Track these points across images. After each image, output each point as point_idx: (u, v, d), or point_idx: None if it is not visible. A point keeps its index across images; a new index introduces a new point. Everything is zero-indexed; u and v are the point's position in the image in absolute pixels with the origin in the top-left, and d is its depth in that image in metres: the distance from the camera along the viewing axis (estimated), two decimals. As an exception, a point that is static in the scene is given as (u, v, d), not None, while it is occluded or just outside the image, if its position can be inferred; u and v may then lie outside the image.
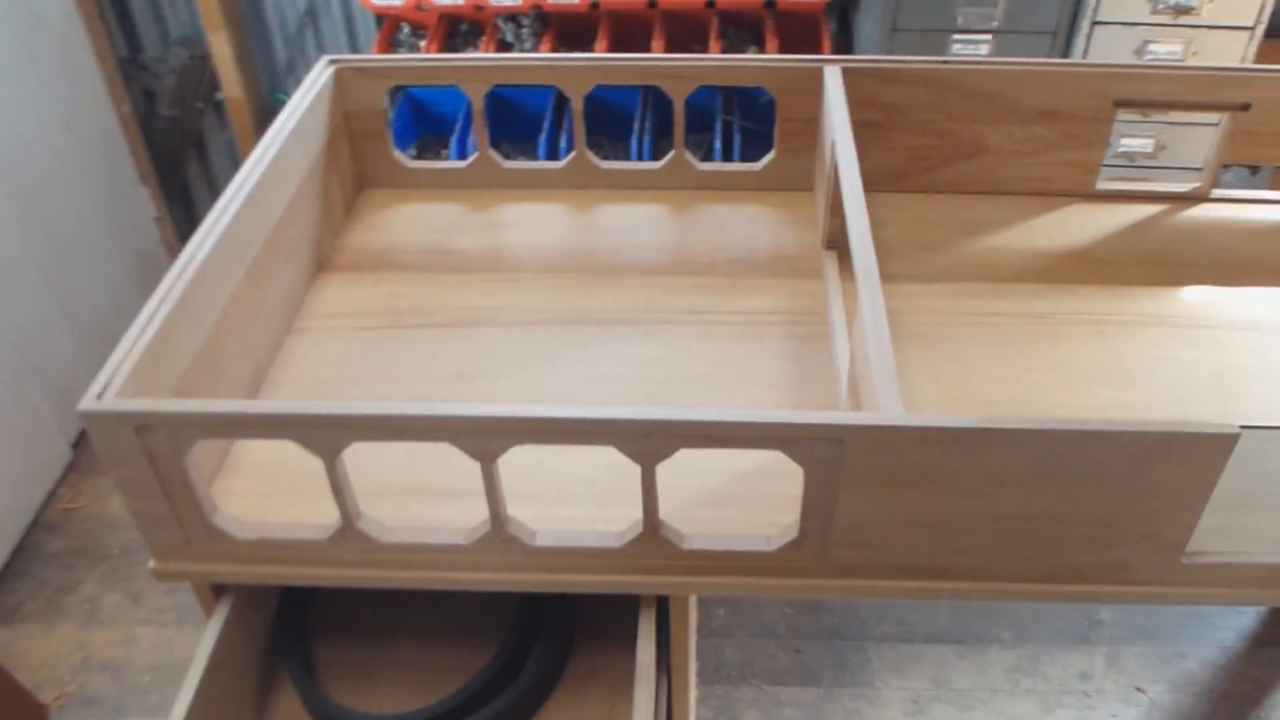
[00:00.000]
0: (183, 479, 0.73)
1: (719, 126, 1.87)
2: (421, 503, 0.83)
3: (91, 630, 1.77)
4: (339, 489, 0.73)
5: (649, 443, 0.68)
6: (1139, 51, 1.65)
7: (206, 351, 0.84)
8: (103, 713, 1.64)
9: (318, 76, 1.08)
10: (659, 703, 0.83)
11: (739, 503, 0.81)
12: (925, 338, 0.97)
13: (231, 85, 2.05)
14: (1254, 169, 1.84)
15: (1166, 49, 1.63)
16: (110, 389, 0.72)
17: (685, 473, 0.73)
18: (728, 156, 1.85)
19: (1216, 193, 1.14)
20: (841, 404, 0.87)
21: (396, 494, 0.83)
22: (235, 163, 2.29)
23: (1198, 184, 1.15)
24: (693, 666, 0.91)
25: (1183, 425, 0.65)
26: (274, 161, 0.95)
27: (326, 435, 0.69)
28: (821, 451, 0.67)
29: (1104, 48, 1.66)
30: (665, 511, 0.73)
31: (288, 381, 0.95)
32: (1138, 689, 1.55)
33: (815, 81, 1.09)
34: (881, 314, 0.75)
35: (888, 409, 0.67)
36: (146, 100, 2.17)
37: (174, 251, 2.27)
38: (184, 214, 2.34)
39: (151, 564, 0.81)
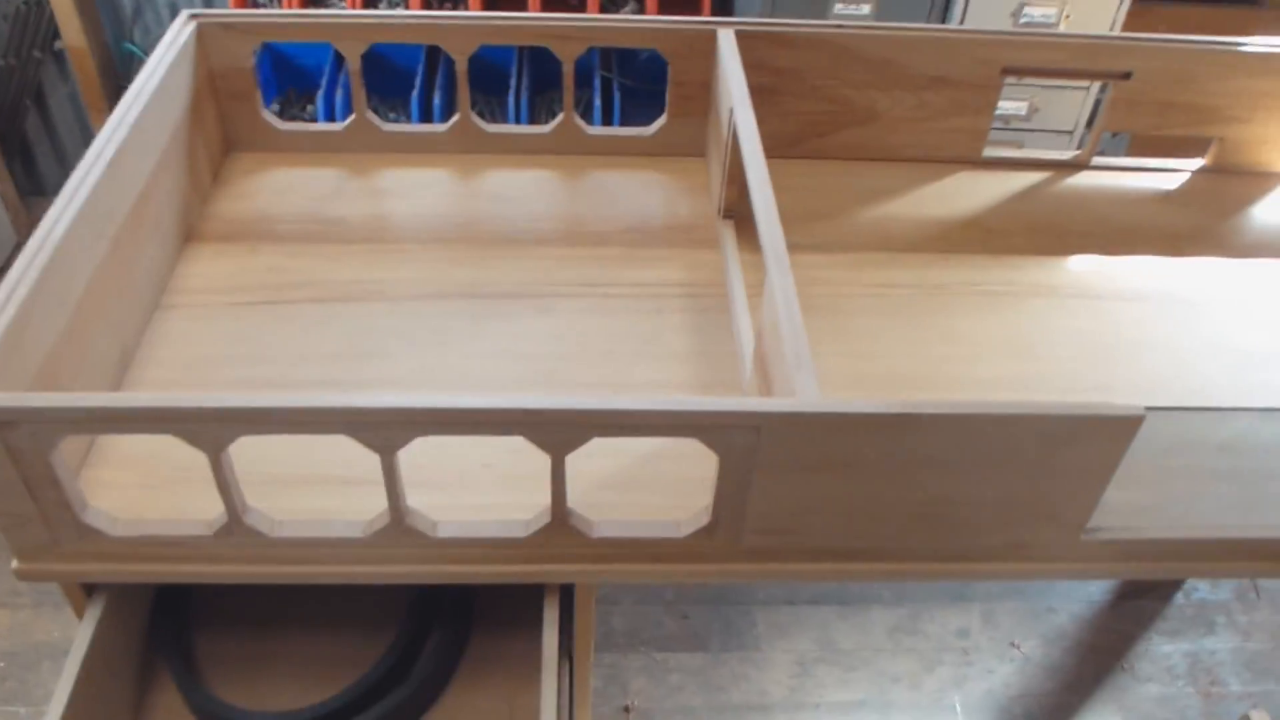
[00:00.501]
0: (49, 476, 0.67)
1: (598, 84, 1.83)
2: (313, 492, 0.78)
3: (-64, 618, 1.66)
4: (224, 484, 0.68)
5: (560, 432, 0.65)
6: (1015, 14, 1.68)
7: (69, 334, 0.78)
8: (-46, 705, 1.54)
9: (178, 33, 1.00)
10: (561, 690, 0.81)
11: (645, 486, 0.79)
12: (825, 310, 0.96)
13: (72, 33, 1.90)
14: (1114, 132, 1.90)
15: (1042, 12, 1.66)
16: (-38, 382, 0.65)
17: (589, 455, 0.70)
18: (607, 115, 1.81)
19: (1097, 160, 1.17)
20: (745, 382, 0.86)
21: (286, 483, 0.78)
22: (80, 116, 2.14)
23: (1078, 151, 1.17)
24: (590, 698, 0.89)
25: (1091, 408, 0.65)
26: (134, 126, 0.88)
27: (211, 429, 0.64)
28: (738, 439, 0.65)
29: (982, 10, 1.68)
30: (570, 497, 0.71)
31: (158, 362, 0.89)
32: (1012, 644, 1.61)
33: (708, 44, 1.07)
34: (792, 294, 0.73)
35: (805, 395, 0.66)
36: (-23, 47, 2.00)
37: (14, 211, 2.11)
38: (24, 171, 2.17)
39: (15, 564, 0.75)
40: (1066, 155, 1.17)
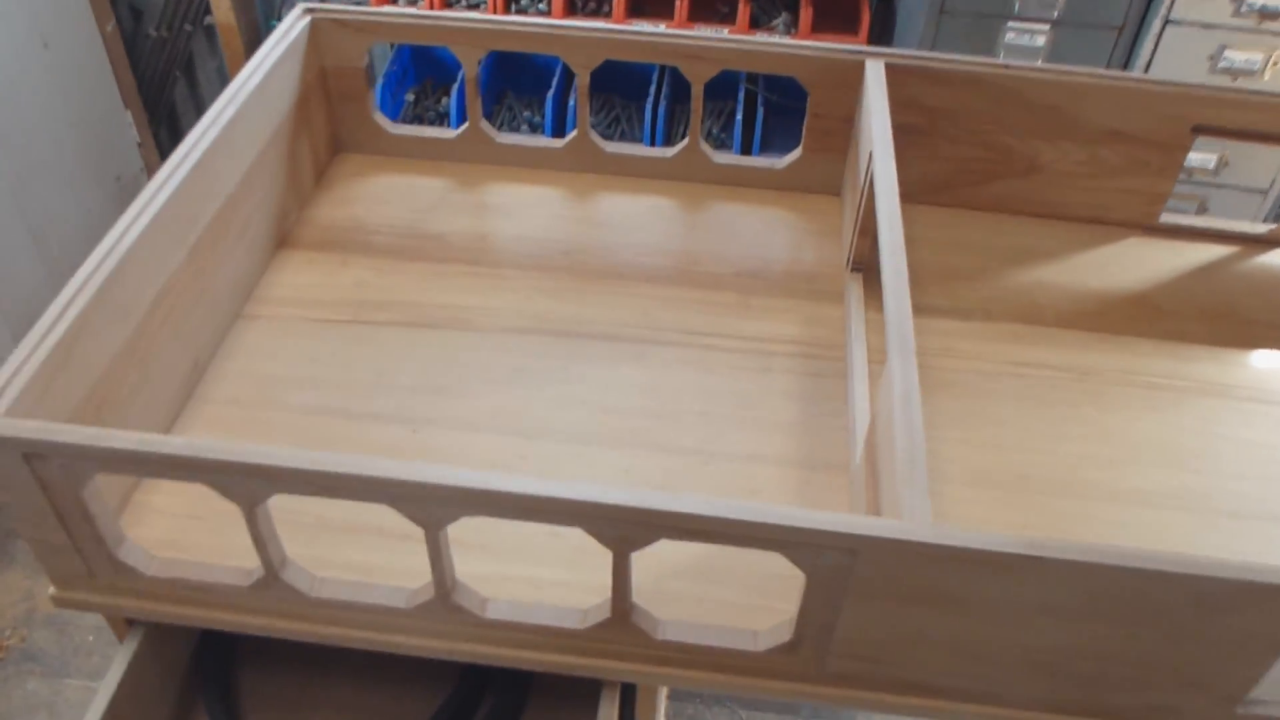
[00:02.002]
0: (82, 510, 0.63)
1: (741, 96, 1.73)
2: (361, 544, 0.72)
3: (39, 580, 1.68)
4: (259, 538, 0.62)
5: (624, 529, 0.57)
6: (1214, 58, 1.51)
7: (132, 346, 0.73)
8: (44, 671, 1.55)
9: (290, 26, 0.95)
10: (617, 788, 0.73)
11: (721, 578, 0.70)
12: (955, 388, 0.85)
13: (222, 9, 1.91)
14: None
15: (1245, 57, 1.48)
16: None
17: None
18: (748, 129, 1.71)
19: (1294, 237, 1.02)
20: (854, 468, 0.76)
21: (333, 530, 0.73)
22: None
23: (1273, 224, 1.02)
24: None
25: (1266, 573, 0.54)
26: (227, 126, 0.83)
27: (244, 484, 0.58)
28: (829, 560, 0.56)
29: (1174, 51, 1.51)
30: (637, 582, 0.63)
31: (230, 377, 0.84)
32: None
33: (854, 75, 0.97)
34: (914, 387, 0.63)
35: (913, 518, 0.56)
36: (133, 18, 2.02)
37: (159, 177, 2.14)
38: (170, 139, 2.21)
39: (51, 591, 0.71)
40: (1259, 229, 1.02)
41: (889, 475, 0.62)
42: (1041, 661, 0.60)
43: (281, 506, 0.62)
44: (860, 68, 0.96)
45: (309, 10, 0.97)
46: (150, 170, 2.10)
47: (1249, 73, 1.51)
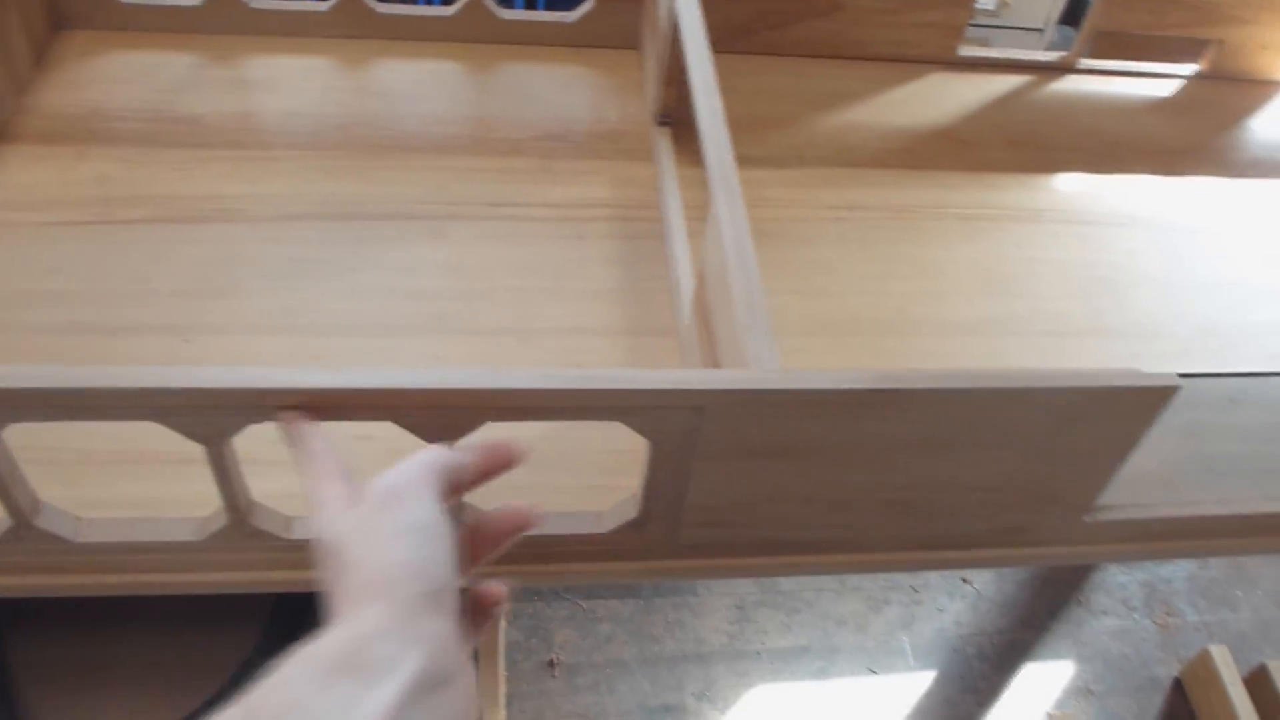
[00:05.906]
0: None
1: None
2: (138, 474, 0.62)
3: None
4: (3, 480, 0.52)
5: (443, 416, 0.50)
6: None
7: None
8: None
9: (-23, -123, 0.80)
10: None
11: (557, 460, 0.64)
12: (777, 237, 0.81)
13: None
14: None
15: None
16: None
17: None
18: (530, 3, 1.61)
19: (1084, 63, 1.02)
20: (683, 328, 0.71)
21: (102, 463, 0.62)
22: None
23: (1065, 52, 1.02)
24: (502, 654, 0.75)
25: (1117, 377, 0.52)
26: (-92, -4, 0.69)
27: (-30, 413, 0.48)
28: (675, 422, 0.50)
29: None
30: (466, 478, 0.56)
31: (-48, 299, 0.71)
32: (963, 580, 1.51)
33: (642, -87, 0.89)
34: (745, 231, 0.58)
35: (761, 366, 0.51)
36: None
37: None
38: None
39: None
40: (1051, 57, 1.02)
41: (728, 327, 0.57)
42: (898, 499, 0.58)
43: (33, 443, 0.52)
44: (647, -97, 0.88)
45: None
46: None
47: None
